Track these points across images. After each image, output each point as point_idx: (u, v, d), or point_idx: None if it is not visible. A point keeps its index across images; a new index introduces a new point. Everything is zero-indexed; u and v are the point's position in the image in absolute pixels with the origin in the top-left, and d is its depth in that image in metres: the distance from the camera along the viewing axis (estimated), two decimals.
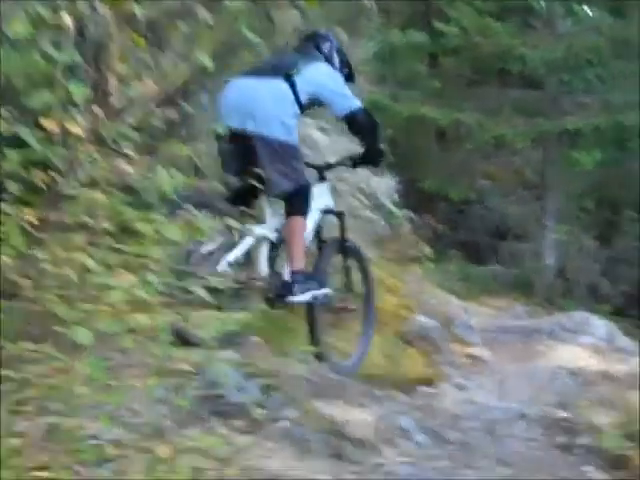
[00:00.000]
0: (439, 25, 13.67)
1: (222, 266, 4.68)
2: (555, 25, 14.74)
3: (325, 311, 5.27)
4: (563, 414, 6.21)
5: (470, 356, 8.08)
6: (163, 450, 2.89)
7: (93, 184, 3.06)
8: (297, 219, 4.85)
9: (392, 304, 7.22)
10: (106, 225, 3.00)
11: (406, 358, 6.98)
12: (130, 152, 3.18)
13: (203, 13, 3.68)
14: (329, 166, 5.55)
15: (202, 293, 3.26)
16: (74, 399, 2.74)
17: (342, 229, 5.52)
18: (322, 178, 5.48)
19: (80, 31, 3.52)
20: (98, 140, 3.16)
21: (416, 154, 14.78)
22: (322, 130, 7.41)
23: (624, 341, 9.86)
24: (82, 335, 2.73)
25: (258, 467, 3.67)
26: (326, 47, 5.28)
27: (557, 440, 5.89)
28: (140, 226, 3.06)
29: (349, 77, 5.33)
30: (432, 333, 7.51)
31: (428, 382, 6.86)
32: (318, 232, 5.33)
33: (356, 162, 5.47)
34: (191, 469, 2.92)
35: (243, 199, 4.75)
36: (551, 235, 14.40)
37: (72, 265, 2.81)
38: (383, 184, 7.95)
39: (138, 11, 3.32)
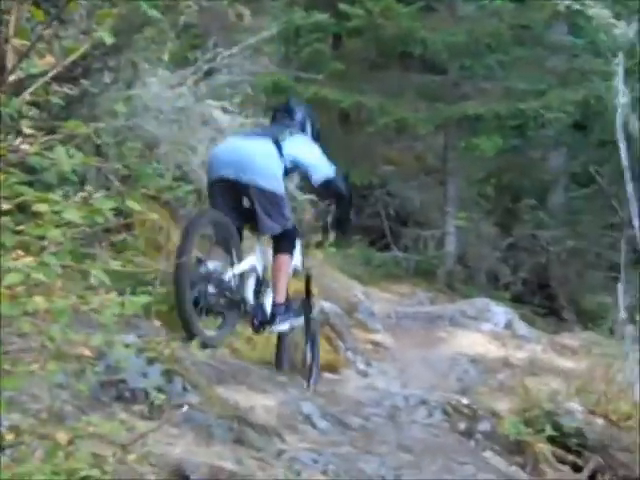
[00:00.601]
0: (343, 6, 13.70)
1: (228, 276, 5.38)
2: (456, 8, 14.94)
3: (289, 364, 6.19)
4: (464, 400, 6.34)
5: (373, 342, 8.19)
6: (62, 436, 2.86)
7: None
8: (284, 257, 5.70)
9: (295, 289, 7.26)
10: (4, 205, 2.94)
11: None
12: (29, 130, 3.11)
13: None
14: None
15: (102, 276, 3.22)
16: None
17: (307, 287, 6.37)
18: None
19: None
20: None
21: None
22: (225, 110, 7.39)
23: (523, 328, 10.13)
24: None
25: (160, 453, 3.66)
26: (299, 116, 6.04)
27: (458, 426, 6.02)
28: (39, 207, 3.01)
29: (318, 139, 6.12)
30: (335, 319, 7.61)
31: (331, 368, 6.94)
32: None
33: (327, 228, 6.37)
34: (91, 455, 2.89)
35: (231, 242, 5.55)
36: (452, 222, 14.60)
37: None
38: None
39: None
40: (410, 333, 8.06)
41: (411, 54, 14.66)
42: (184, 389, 4.44)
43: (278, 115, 6.10)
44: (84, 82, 4.92)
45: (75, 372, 3.09)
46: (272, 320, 5.74)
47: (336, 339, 7.38)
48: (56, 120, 3.46)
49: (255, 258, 5.73)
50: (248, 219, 5.58)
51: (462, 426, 6.04)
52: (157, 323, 4.64)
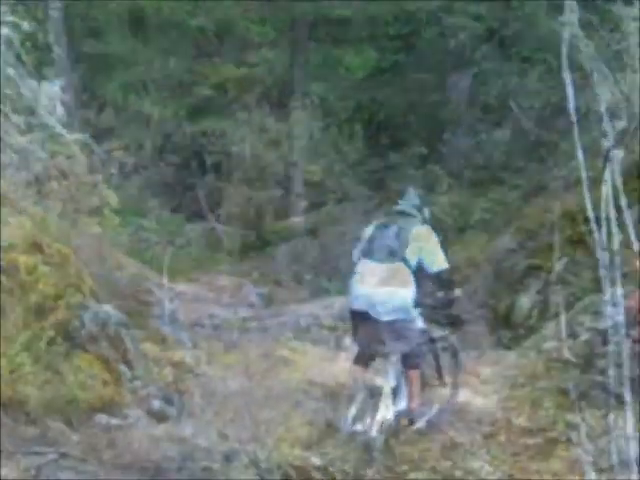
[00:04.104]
0: None
1: (375, 432, 7.83)
2: None
3: None
4: (315, 459, 6.34)
5: (175, 365, 8.13)
6: None
7: None
8: (414, 372, 8.37)
9: (53, 283, 7.11)
10: None
11: (74, 370, 6.91)
12: None
13: None
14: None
15: None
16: None
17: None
18: None
19: None
20: None
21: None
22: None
23: None
24: None
25: None
26: (417, 204, 8.70)
27: None
28: None
29: (431, 221, 8.84)
30: (115, 329, 7.50)
31: (109, 408, 6.86)
32: None
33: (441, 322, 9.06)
34: None
35: (368, 359, 8.35)
36: (300, 177, 14.83)
37: None
38: (44, 90, 7.78)
39: None
40: (234, 351, 8.01)
41: None
42: None
43: (399, 206, 8.68)
44: None
45: None
46: (411, 423, 8.28)
47: (117, 362, 7.27)
48: None
49: (389, 381, 8.15)
50: (381, 341, 8.14)
51: None
52: None
